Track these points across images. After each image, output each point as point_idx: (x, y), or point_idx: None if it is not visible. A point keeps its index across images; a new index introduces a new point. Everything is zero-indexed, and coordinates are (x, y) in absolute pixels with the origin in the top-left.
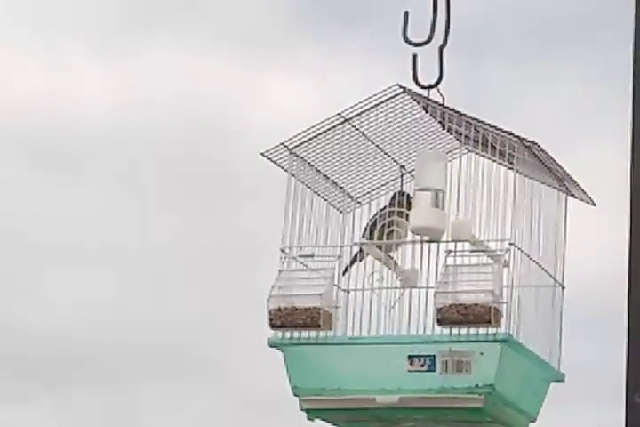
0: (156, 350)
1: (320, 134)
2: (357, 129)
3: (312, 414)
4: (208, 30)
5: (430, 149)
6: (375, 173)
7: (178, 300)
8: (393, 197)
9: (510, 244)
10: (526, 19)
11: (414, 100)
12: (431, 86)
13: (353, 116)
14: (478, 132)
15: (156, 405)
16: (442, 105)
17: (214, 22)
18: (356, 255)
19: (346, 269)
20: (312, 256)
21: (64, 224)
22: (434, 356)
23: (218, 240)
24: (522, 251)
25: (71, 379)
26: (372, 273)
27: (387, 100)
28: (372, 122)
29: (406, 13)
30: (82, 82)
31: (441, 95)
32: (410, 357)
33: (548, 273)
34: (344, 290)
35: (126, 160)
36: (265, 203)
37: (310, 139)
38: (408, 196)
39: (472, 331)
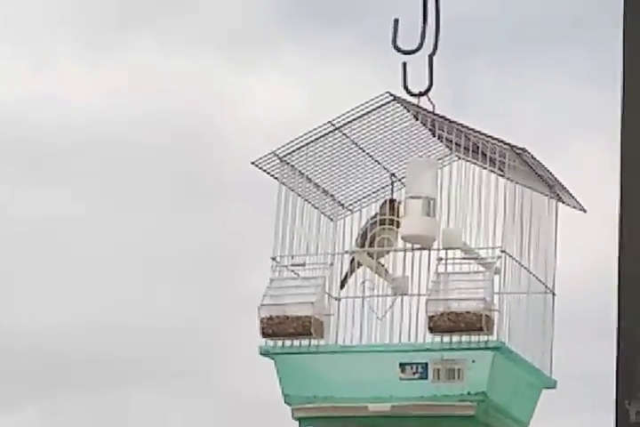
0: (142, 353)
1: (310, 142)
2: (348, 137)
3: (304, 422)
4: (194, 30)
5: (421, 156)
6: (366, 181)
7: (165, 302)
8: (383, 205)
9: (501, 251)
10: (512, 19)
11: (404, 107)
12: (421, 94)
13: (343, 124)
14: (469, 139)
15: (143, 408)
16: (432, 113)
17: (200, 22)
18: (351, 267)
19: (343, 283)
20: (303, 265)
21: (50, 225)
22: (426, 364)
23: (205, 241)
24: (513, 258)
25: (57, 382)
26: (364, 281)
27: (377, 108)
28: (362, 130)
29: (396, 21)
30: (68, 81)
31: (431, 103)
32: (402, 365)
33: (539, 280)
34: (335, 298)
35: (112, 160)
36: (251, 204)
37: (301, 147)
38: (398, 203)
39: (464, 339)
